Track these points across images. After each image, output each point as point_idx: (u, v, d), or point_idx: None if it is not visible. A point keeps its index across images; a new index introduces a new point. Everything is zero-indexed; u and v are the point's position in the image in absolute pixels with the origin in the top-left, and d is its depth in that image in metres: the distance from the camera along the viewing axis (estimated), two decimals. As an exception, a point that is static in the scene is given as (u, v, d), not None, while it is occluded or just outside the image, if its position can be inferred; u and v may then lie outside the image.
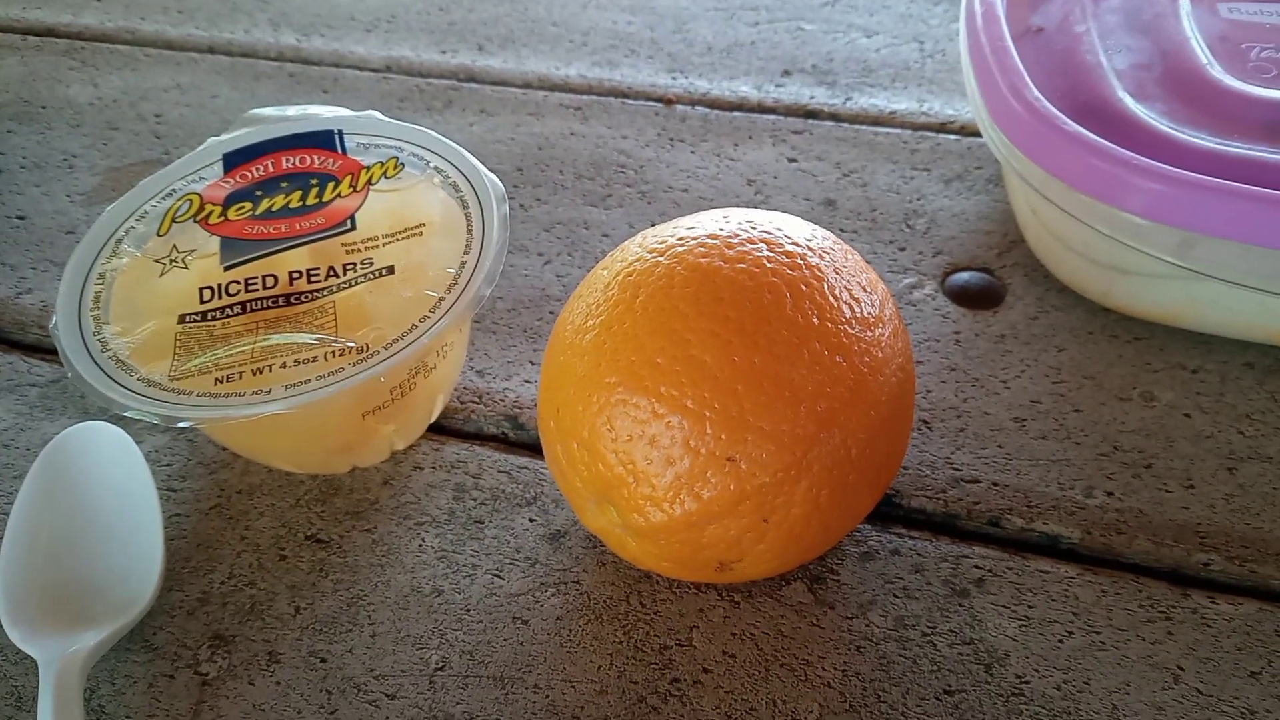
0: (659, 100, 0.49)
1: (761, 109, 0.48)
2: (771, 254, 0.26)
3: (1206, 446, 0.33)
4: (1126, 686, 0.28)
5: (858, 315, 0.26)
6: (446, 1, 0.57)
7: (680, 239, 0.27)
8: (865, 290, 0.27)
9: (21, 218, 0.44)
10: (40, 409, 0.36)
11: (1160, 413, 0.34)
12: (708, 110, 0.48)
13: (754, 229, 0.27)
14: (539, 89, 0.50)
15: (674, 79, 0.50)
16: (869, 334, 0.26)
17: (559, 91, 0.50)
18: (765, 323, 0.25)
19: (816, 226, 0.28)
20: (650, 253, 0.27)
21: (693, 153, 0.46)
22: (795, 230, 0.27)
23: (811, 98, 0.48)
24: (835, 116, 0.47)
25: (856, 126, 0.47)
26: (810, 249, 0.27)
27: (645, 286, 0.26)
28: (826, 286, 0.26)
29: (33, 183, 0.46)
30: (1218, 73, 0.35)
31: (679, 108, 0.48)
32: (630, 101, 0.49)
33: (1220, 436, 0.33)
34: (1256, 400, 0.34)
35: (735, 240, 0.26)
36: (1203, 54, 0.36)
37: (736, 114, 0.48)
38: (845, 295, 0.26)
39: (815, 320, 0.25)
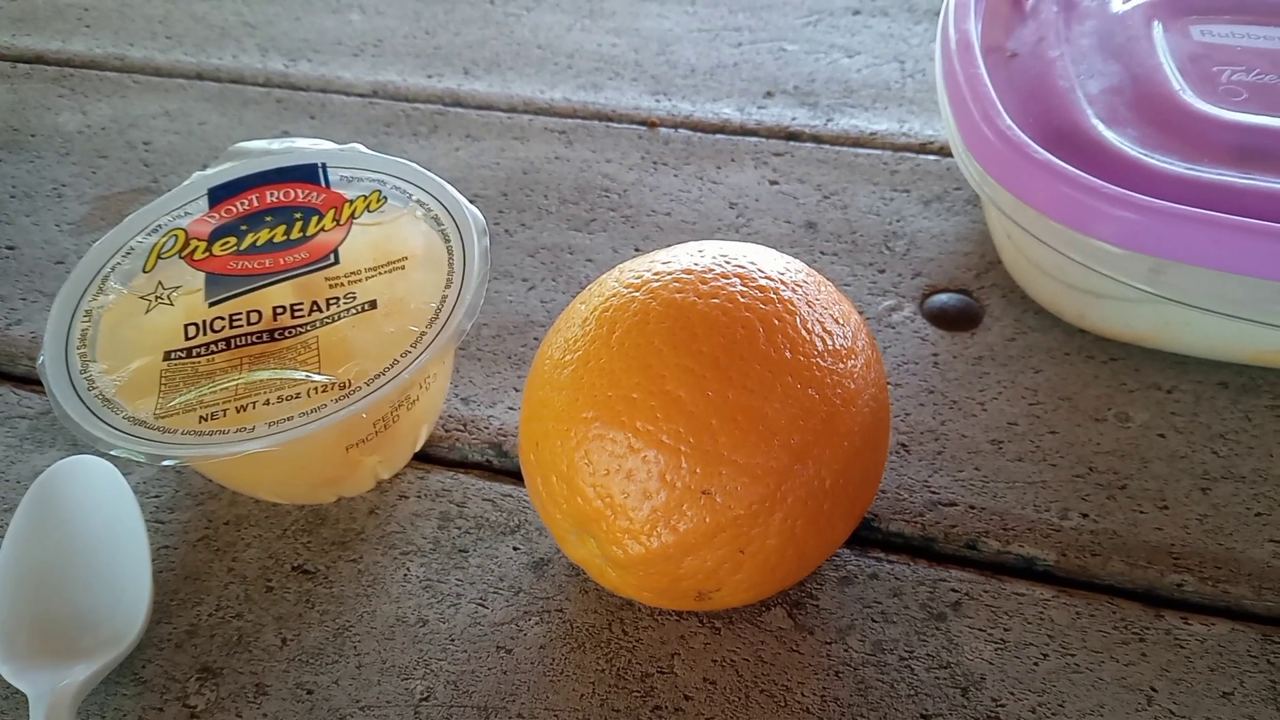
0: (643, 123, 0.49)
1: (744, 131, 0.49)
2: (745, 289, 0.26)
3: (1181, 467, 0.34)
4: (1100, 709, 0.28)
5: (830, 348, 0.26)
6: (433, 25, 0.58)
7: (656, 274, 0.27)
8: (838, 322, 0.27)
9: (11, 248, 0.44)
10: (30, 441, 0.36)
11: (1135, 433, 0.35)
12: (691, 133, 0.49)
13: (728, 263, 0.27)
14: (524, 113, 0.51)
15: (658, 101, 0.51)
16: (841, 366, 0.26)
17: (544, 115, 0.50)
18: (739, 358, 0.25)
19: (791, 259, 0.29)
20: (626, 288, 0.27)
21: (675, 176, 0.46)
22: (769, 264, 0.28)
23: (793, 119, 0.49)
24: (816, 138, 0.48)
25: (837, 148, 0.47)
26: (783, 283, 0.27)
27: (621, 322, 0.26)
28: (799, 320, 0.26)
29: (22, 212, 0.46)
30: (1189, 97, 0.36)
31: (662, 131, 0.49)
32: (614, 125, 0.49)
33: (1194, 457, 0.34)
34: (1230, 420, 0.35)
35: (709, 275, 0.27)
36: (1174, 78, 0.36)
37: (719, 136, 0.48)
38: (818, 328, 0.26)
39: (788, 354, 0.26)
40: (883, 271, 0.41)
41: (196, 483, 0.35)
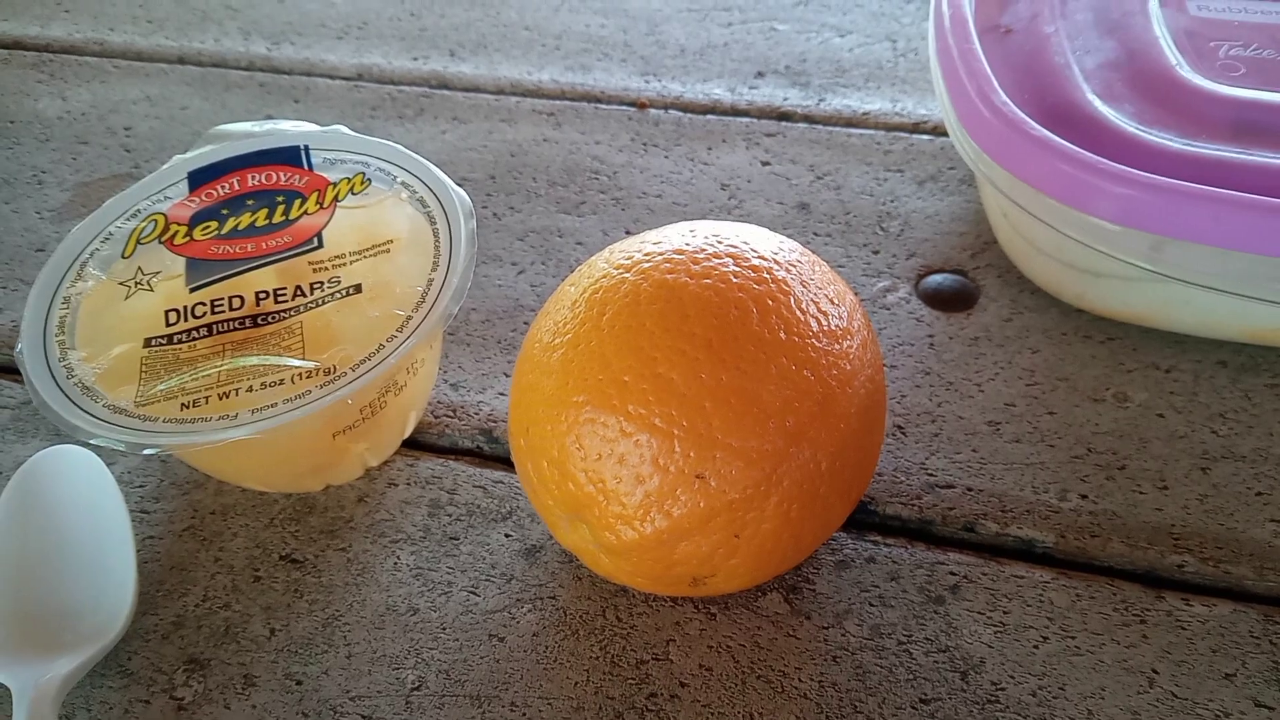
0: (632, 105, 0.49)
1: (735, 111, 0.48)
2: (738, 269, 0.26)
3: (1180, 447, 0.33)
4: (1102, 691, 0.28)
5: (825, 328, 0.26)
6: (418, 6, 0.57)
7: (647, 254, 0.27)
8: (833, 302, 0.27)
9: (-10, 236, 0.44)
10: (12, 431, 0.36)
11: (1134, 413, 0.34)
12: (681, 114, 0.48)
13: (720, 243, 0.27)
14: (512, 95, 0.50)
15: (647, 82, 0.50)
16: (837, 346, 0.26)
17: (532, 97, 0.50)
18: (732, 339, 0.25)
19: (784, 238, 0.28)
20: (617, 269, 0.27)
21: (666, 157, 0.46)
22: (762, 243, 0.27)
23: (785, 99, 0.48)
24: (809, 118, 0.47)
25: (830, 128, 0.47)
26: (777, 262, 0.27)
27: (612, 304, 0.26)
28: (793, 300, 0.26)
29: (1, 200, 0.45)
30: (1186, 72, 0.35)
31: (652, 112, 0.48)
32: (603, 106, 0.49)
33: (1194, 436, 0.33)
34: (1230, 399, 0.34)
35: (701, 255, 0.26)
36: (1171, 53, 0.36)
37: (710, 117, 0.48)
38: (812, 308, 0.26)
39: (782, 335, 0.25)
40: (877, 252, 0.41)
41: (182, 472, 0.34)
